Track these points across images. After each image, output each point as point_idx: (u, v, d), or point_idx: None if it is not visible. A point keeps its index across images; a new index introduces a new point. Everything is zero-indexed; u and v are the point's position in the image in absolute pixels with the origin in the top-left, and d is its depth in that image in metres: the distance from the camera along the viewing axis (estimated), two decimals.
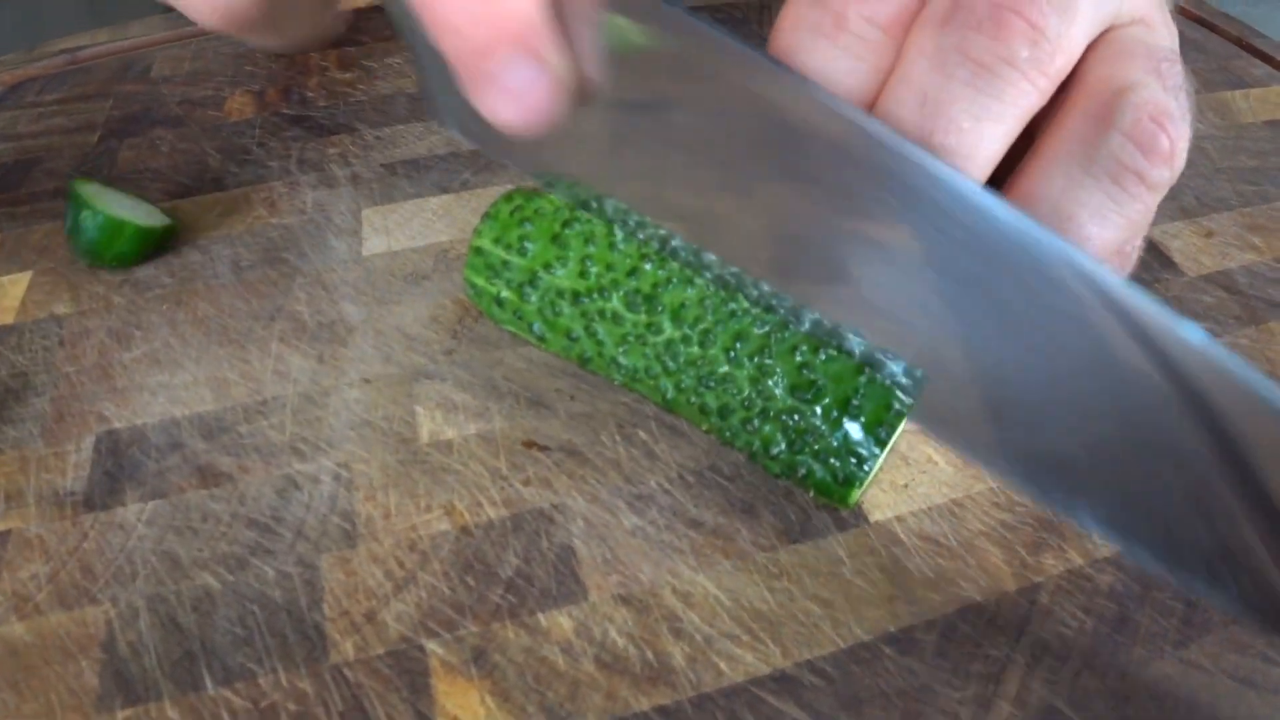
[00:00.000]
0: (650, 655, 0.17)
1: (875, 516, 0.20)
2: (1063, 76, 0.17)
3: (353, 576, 0.18)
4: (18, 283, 0.25)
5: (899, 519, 0.20)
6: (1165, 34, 0.19)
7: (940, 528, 0.19)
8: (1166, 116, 0.17)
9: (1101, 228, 0.19)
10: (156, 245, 0.25)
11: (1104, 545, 0.19)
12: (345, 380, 0.22)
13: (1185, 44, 0.39)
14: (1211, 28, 0.41)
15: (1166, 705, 0.17)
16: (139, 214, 0.25)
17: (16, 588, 0.19)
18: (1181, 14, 0.42)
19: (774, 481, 0.20)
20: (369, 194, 0.28)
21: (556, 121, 0.14)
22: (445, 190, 0.28)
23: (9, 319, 0.24)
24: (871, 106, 0.17)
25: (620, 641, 0.17)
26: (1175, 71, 0.18)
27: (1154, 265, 0.27)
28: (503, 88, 0.14)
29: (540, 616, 0.18)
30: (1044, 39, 0.16)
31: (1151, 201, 0.17)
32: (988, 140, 0.16)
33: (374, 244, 0.26)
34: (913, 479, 0.20)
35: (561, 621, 0.18)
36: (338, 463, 0.20)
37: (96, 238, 0.24)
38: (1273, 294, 0.27)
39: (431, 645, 0.17)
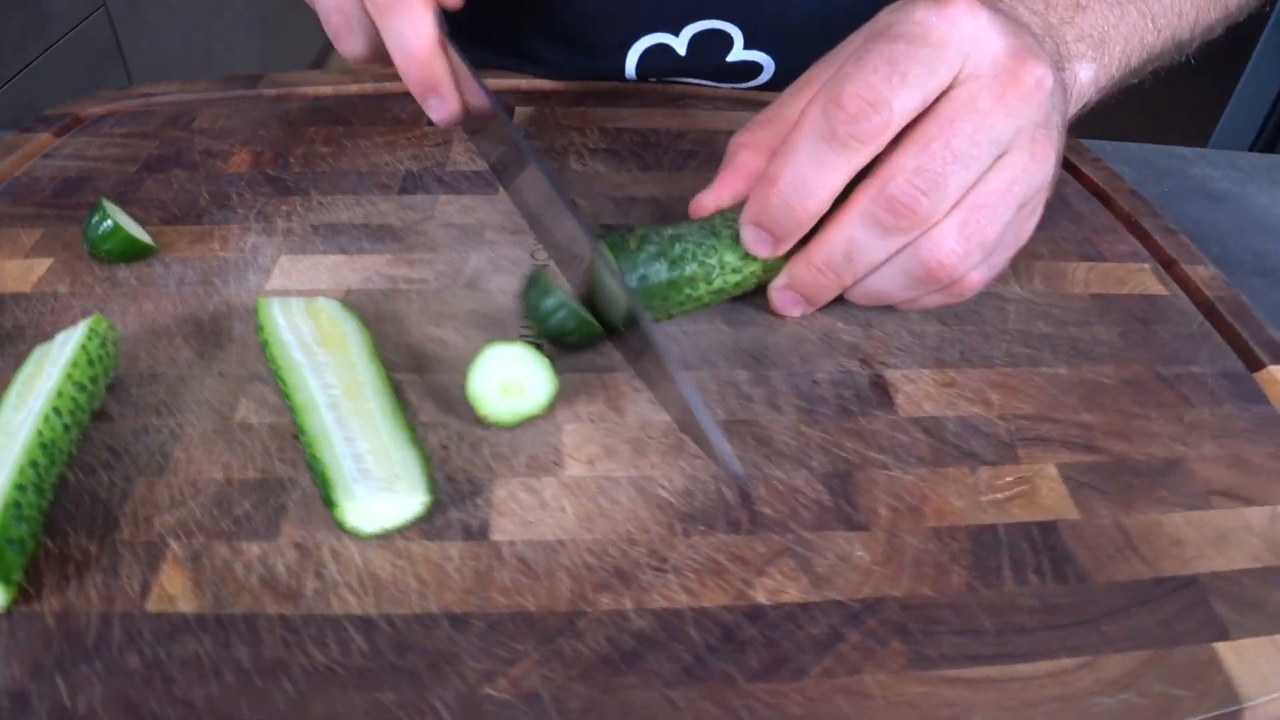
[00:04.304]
0: (295, 583, 0.29)
1: (495, 536, 0.31)
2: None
3: (153, 495, 0.32)
4: (41, 265, 0.41)
5: (511, 543, 0.30)
6: (985, 98, 0.33)
7: (538, 557, 0.30)
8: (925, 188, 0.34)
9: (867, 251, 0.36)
10: (136, 255, 0.41)
11: (654, 598, 0.29)
12: (209, 373, 0.36)
13: (1063, 213, 0.47)
14: (1106, 200, 0.48)
15: (628, 713, 0.26)
16: (134, 231, 0.41)
17: None
18: (1084, 183, 0.50)
19: (446, 492, 0.32)
20: (291, 245, 0.43)
21: (458, 120, 0.40)
22: (343, 252, 0.42)
23: (26, 289, 0.40)
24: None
25: (282, 570, 0.29)
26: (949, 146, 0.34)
27: (873, 400, 0.36)
28: (431, 106, 0.39)
29: (241, 544, 0.30)
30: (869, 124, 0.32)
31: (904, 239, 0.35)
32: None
33: (275, 282, 0.41)
34: (540, 519, 0.31)
35: (253, 549, 0.30)
36: (173, 425, 0.34)
37: (99, 234, 0.40)
38: (972, 445, 0.35)
39: (174, 544, 0.30)
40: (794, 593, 0.30)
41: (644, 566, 0.30)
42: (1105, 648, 0.29)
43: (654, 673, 0.27)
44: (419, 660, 0.27)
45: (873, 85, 0.32)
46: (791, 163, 0.34)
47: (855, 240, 0.35)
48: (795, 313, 0.39)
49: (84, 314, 0.39)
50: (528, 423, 0.34)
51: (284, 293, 0.40)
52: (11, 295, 0.40)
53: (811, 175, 0.33)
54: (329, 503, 0.30)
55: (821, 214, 0.35)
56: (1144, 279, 0.44)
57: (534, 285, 0.36)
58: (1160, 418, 0.37)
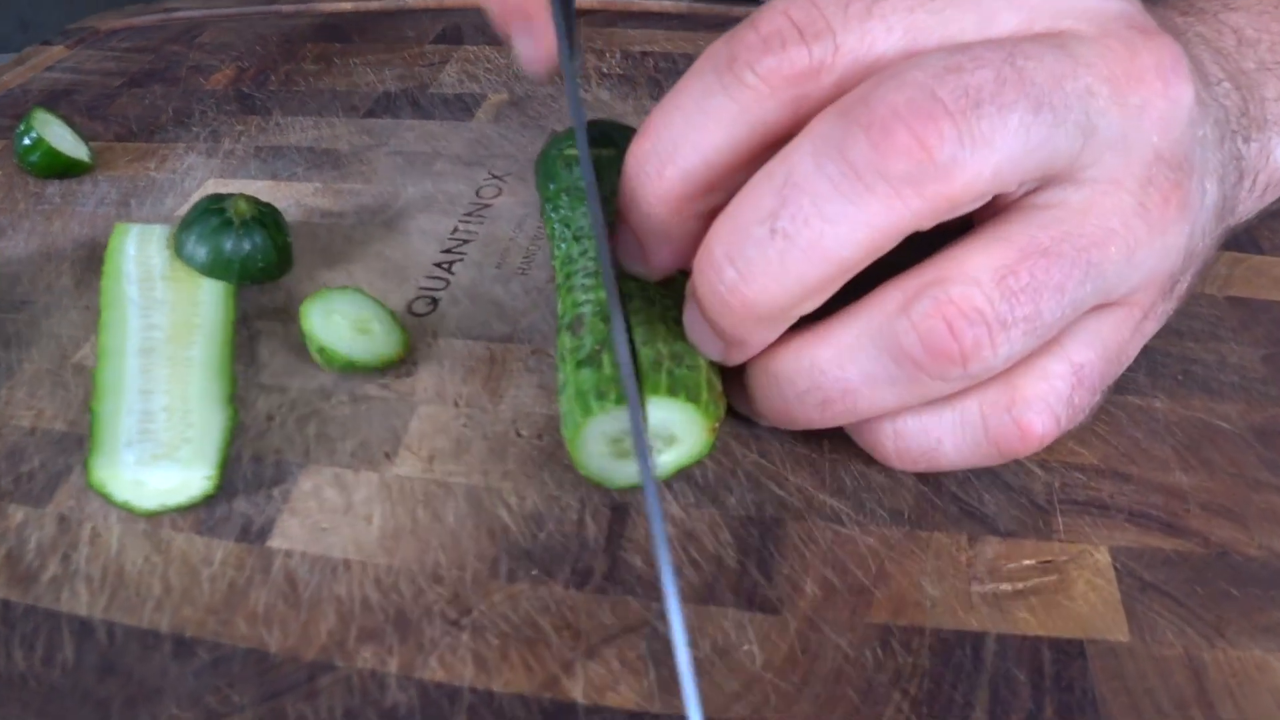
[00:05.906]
0: (37, 564, 0.24)
1: (273, 542, 0.24)
2: (955, 208, 0.17)
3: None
4: None
5: (288, 553, 0.24)
6: (1105, 216, 0.19)
7: (311, 578, 0.23)
8: (966, 321, 0.18)
9: (873, 395, 0.21)
10: (66, 170, 0.38)
11: (430, 664, 0.21)
12: (76, 305, 0.32)
13: None
14: None
15: None
16: (64, 144, 0.38)
17: None
18: None
19: (245, 476, 0.25)
20: (227, 168, 0.38)
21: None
22: (274, 177, 0.37)
23: None
24: (746, 161, 0.19)
25: (33, 547, 0.24)
26: (1038, 272, 0.18)
27: None
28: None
29: (9, 507, 0.26)
30: (930, 162, 0.16)
31: (942, 389, 0.20)
32: (830, 240, 0.17)
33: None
34: (336, 528, 0.24)
35: (18, 515, 0.25)
36: (13, 361, 0.30)
37: (23, 146, 0.37)
38: (984, 501, 0.24)
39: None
40: (627, 693, 0.21)
41: (436, 616, 0.22)
42: None
43: None
44: (117, 691, 0.21)
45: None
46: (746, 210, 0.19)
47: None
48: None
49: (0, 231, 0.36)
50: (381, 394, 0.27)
51: None
52: None
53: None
54: (87, 468, 0.24)
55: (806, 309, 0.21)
56: None
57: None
58: None
